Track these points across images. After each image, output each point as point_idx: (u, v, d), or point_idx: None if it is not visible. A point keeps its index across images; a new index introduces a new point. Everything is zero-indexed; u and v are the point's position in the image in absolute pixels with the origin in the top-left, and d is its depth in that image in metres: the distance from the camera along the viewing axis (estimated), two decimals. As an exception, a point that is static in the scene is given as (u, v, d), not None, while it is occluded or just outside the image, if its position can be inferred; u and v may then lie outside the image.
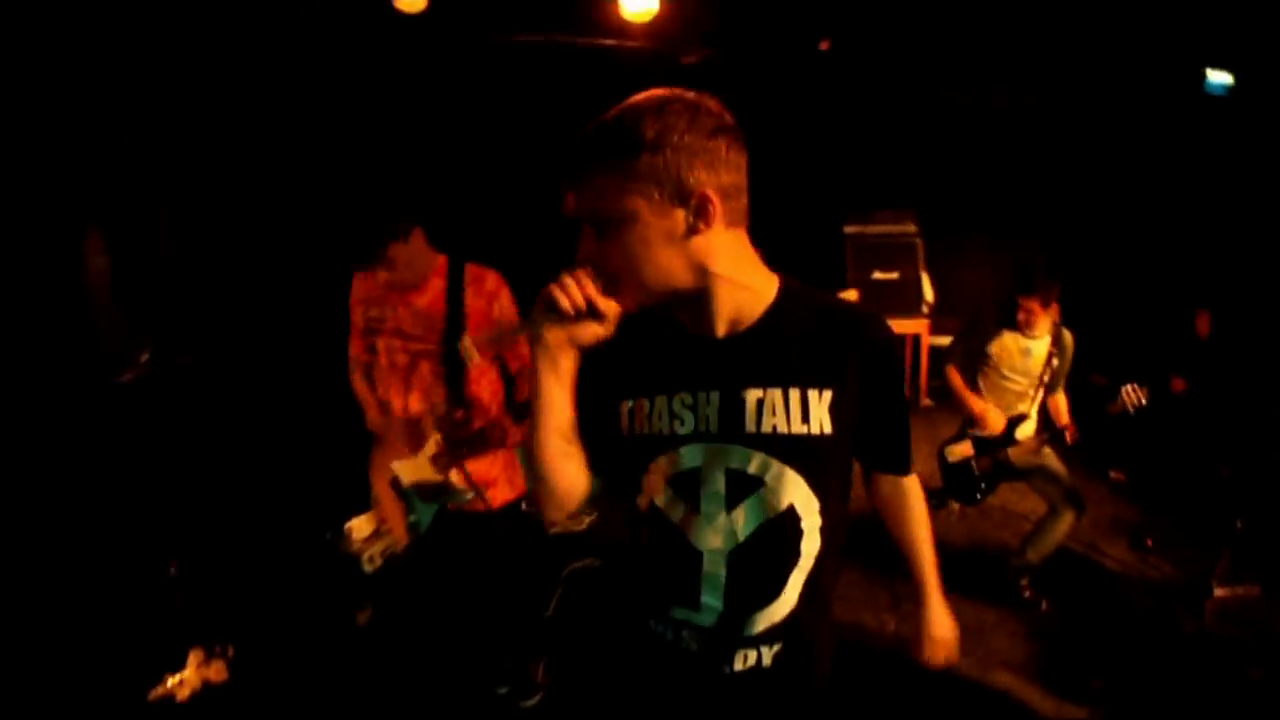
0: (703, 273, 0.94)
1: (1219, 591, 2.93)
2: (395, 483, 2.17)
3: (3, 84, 3.05)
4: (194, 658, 2.54)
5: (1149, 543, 3.53)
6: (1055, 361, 3.01)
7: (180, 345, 3.60)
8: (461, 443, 2.10)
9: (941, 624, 1.32)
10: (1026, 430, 2.99)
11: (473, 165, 4.47)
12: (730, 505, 1.01)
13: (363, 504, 2.72)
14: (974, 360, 3.11)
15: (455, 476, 2.12)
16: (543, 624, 2.76)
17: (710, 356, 1.00)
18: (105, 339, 3.64)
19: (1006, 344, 3.04)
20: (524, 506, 2.33)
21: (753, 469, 1.00)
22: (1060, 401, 3.13)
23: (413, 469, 2.16)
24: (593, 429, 1.03)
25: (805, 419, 0.98)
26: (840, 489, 1.07)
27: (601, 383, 1.04)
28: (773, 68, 4.91)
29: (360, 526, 2.38)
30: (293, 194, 3.94)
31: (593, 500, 1.11)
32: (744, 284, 0.99)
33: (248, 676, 2.54)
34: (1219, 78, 4.71)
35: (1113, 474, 4.36)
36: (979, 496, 3.09)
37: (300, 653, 2.72)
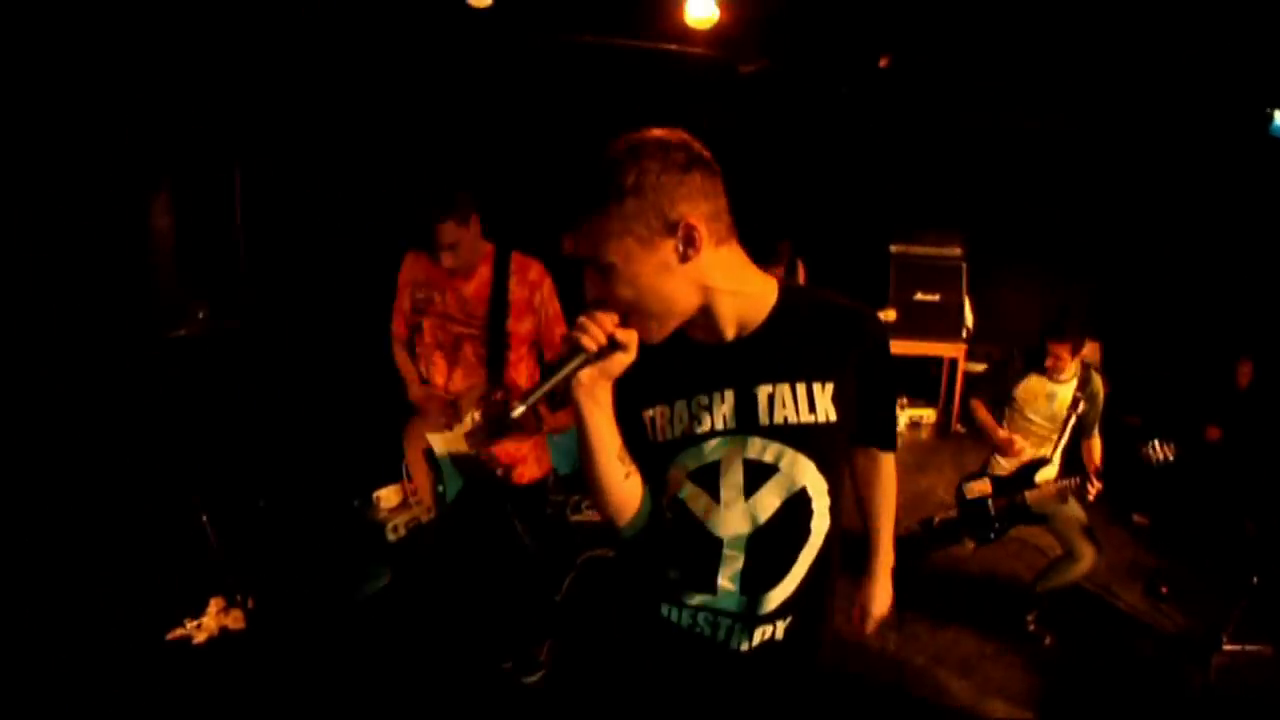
0: (704, 290, 1.02)
1: (1229, 647, 2.89)
2: (428, 453, 2.29)
3: (86, 45, 3.20)
4: (214, 605, 2.65)
5: (1164, 590, 3.49)
6: (1082, 406, 2.96)
7: (234, 308, 3.78)
8: (496, 423, 2.21)
9: (882, 601, 1.44)
10: (1047, 474, 2.97)
11: (528, 160, 4.58)
12: (749, 492, 1.11)
13: (393, 475, 2.85)
14: (1000, 399, 3.12)
15: (485, 453, 2.22)
16: (553, 606, 2.86)
17: (722, 360, 1.09)
18: (163, 294, 3.81)
19: (1032, 387, 3.03)
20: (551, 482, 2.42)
21: (768, 458, 1.09)
22: (1095, 446, 3.07)
23: (447, 441, 2.28)
24: (623, 440, 1.11)
25: (812, 409, 1.08)
26: (842, 470, 1.17)
27: (625, 397, 1.10)
28: (830, 82, 4.91)
29: (388, 496, 2.51)
30: (358, 174, 4.09)
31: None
32: (744, 292, 1.08)
33: (264, 628, 2.65)
34: None
35: (1136, 518, 4.30)
36: (992, 536, 3.10)
37: (317, 611, 2.83)
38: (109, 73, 3.26)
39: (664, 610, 1.23)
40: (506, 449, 2.27)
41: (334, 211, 4.06)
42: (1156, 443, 2.71)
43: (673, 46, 4.20)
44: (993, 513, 3.06)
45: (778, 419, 1.08)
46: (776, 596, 1.15)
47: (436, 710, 2.44)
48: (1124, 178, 5.27)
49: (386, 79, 4.13)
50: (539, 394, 0.96)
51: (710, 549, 1.14)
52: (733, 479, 1.10)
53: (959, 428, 5.42)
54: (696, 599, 1.18)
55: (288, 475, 3.49)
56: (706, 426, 1.10)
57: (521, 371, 2.30)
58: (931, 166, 5.52)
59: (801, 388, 1.08)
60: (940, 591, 3.33)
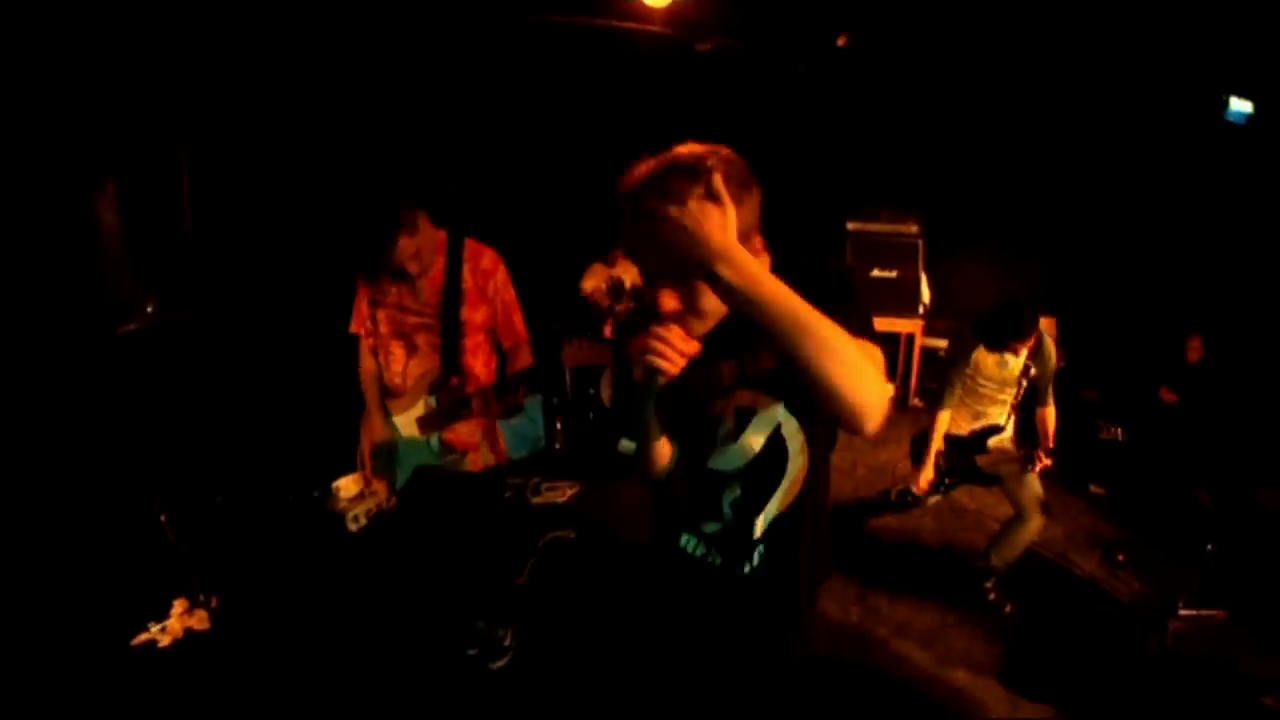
0: None
1: (1185, 612, 2.98)
2: (379, 446, 2.26)
3: (31, 40, 3.10)
4: (178, 606, 2.59)
5: (1121, 558, 3.58)
6: (1033, 371, 2.99)
7: (184, 300, 3.68)
8: (450, 408, 2.18)
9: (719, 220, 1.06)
10: (1000, 440, 3.03)
11: (483, 142, 4.51)
12: (738, 434, 1.30)
13: (352, 464, 2.79)
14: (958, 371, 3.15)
15: (436, 439, 2.19)
16: (516, 590, 2.84)
17: (727, 332, 1.21)
18: (113, 288, 3.71)
19: (984, 354, 3.05)
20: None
21: (748, 403, 1.29)
22: (1049, 416, 3.08)
23: (399, 426, 2.24)
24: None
25: (755, 354, 1.24)
26: (815, 412, 1.28)
27: None
28: (787, 61, 4.91)
29: (347, 486, 2.46)
30: (311, 158, 4.00)
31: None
32: None
33: (229, 627, 2.61)
34: (1241, 106, 4.70)
35: (1093, 488, 4.40)
36: (941, 488, 3.19)
37: (281, 607, 2.79)
38: (53, 68, 3.15)
39: (682, 540, 1.44)
40: (459, 435, 2.24)
41: (285, 198, 3.97)
42: (1111, 428, 2.77)
43: (630, 25, 4.16)
44: (944, 465, 3.13)
45: (758, 369, 1.25)
46: (762, 522, 1.34)
47: (404, 699, 2.41)
48: (1080, 158, 5.35)
49: (338, 63, 4.03)
50: (636, 418, 1.26)
51: (716, 483, 1.35)
52: (726, 425, 1.30)
53: (917, 402, 5.49)
54: (709, 527, 1.39)
55: (245, 468, 3.42)
56: (711, 384, 1.29)
57: (478, 358, 2.27)
58: (888, 145, 5.54)
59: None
60: (900, 564, 3.38)
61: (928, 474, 3.09)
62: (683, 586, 1.48)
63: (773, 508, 1.34)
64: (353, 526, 2.49)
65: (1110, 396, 4.74)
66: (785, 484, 1.33)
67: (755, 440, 1.30)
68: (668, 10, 4.12)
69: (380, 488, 2.29)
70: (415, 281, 2.20)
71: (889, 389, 1.13)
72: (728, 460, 1.33)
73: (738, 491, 1.34)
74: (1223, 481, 3.82)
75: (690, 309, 1.14)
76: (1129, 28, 4.27)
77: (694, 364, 1.18)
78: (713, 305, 1.11)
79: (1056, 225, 5.47)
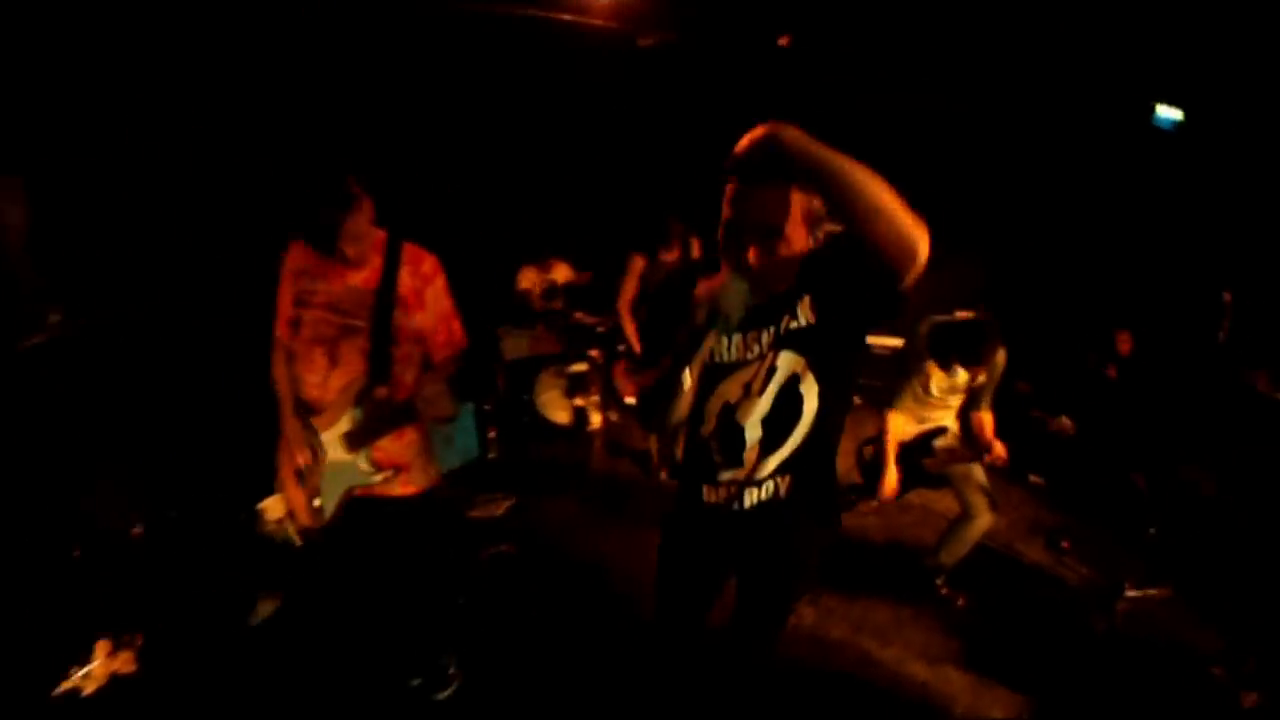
0: None
1: (1131, 593, 3.06)
2: (300, 469, 2.09)
3: None
4: (101, 649, 2.40)
5: (1065, 545, 3.66)
6: (981, 378, 2.98)
7: (90, 309, 3.40)
8: (379, 420, 2.03)
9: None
10: (945, 441, 3.02)
11: (420, 138, 4.33)
12: (763, 389, 1.54)
13: (274, 484, 2.60)
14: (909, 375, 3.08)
15: (365, 458, 2.05)
16: (457, 613, 2.70)
17: (769, 305, 1.55)
18: (16, 302, 3.41)
19: (936, 367, 2.99)
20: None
21: (771, 359, 1.53)
22: (985, 419, 3.07)
23: (331, 445, 2.08)
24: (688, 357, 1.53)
25: (794, 316, 1.51)
26: (835, 363, 1.53)
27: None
28: (728, 58, 4.87)
29: (273, 507, 2.30)
30: (230, 158, 3.75)
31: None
32: None
33: (157, 667, 2.42)
34: (1169, 113, 4.90)
35: (1032, 478, 4.51)
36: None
37: (211, 642, 2.59)
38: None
39: (704, 494, 1.65)
40: (389, 453, 2.09)
41: (200, 197, 3.71)
42: (1063, 420, 2.78)
43: (570, 17, 4.05)
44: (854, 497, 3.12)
45: (782, 330, 1.52)
46: (775, 460, 1.57)
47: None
48: (1012, 158, 5.49)
49: (265, 51, 3.80)
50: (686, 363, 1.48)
51: (740, 434, 1.57)
52: (757, 381, 1.54)
53: (856, 399, 5.54)
54: (728, 473, 1.60)
55: (163, 492, 3.18)
56: (755, 353, 1.55)
57: (408, 370, 2.12)
58: (827, 144, 5.56)
59: (793, 305, 1.51)
60: (850, 564, 3.35)
61: (891, 479, 2.96)
62: (707, 532, 1.71)
63: (785, 450, 1.57)
64: (283, 548, 2.33)
65: (1042, 388, 4.87)
66: (800, 430, 1.55)
67: (773, 391, 1.54)
68: (610, 4, 4.03)
69: (304, 507, 2.12)
70: (349, 278, 2.04)
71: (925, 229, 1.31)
72: (753, 413, 1.55)
73: (759, 434, 1.56)
74: (1156, 465, 3.96)
75: (766, 264, 1.45)
76: (1063, 32, 4.39)
77: (739, 327, 1.54)
78: (786, 264, 1.47)
79: (988, 222, 5.59)
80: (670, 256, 3.78)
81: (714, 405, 1.60)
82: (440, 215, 3.75)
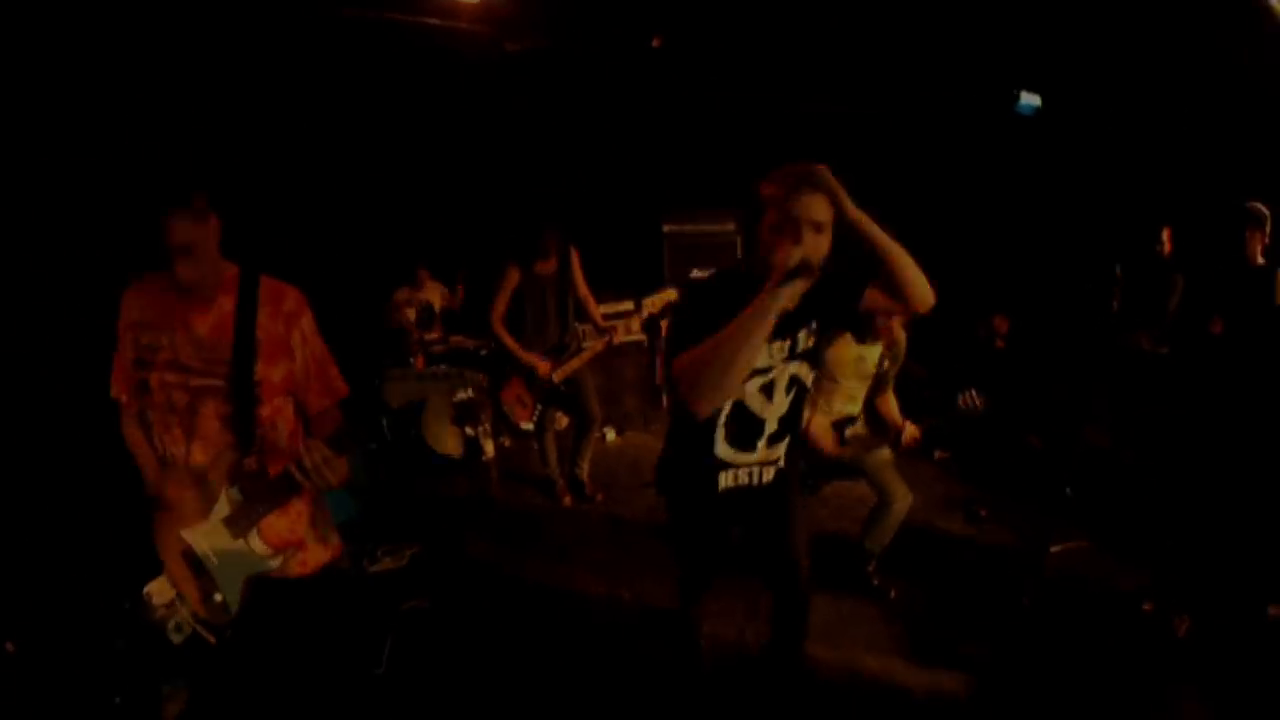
0: None
1: (1054, 549, 3.13)
2: (189, 554, 1.72)
3: None
4: None
5: (983, 513, 3.75)
6: (886, 364, 2.99)
7: None
8: (255, 501, 1.70)
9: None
10: (855, 430, 2.99)
11: (273, 150, 3.91)
12: (786, 393, 1.88)
13: (158, 562, 2.19)
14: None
15: (256, 541, 1.71)
16: (377, 681, 2.36)
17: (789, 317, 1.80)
18: None
19: (841, 353, 2.96)
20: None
21: (793, 370, 1.86)
22: (890, 404, 3.08)
23: (207, 536, 1.72)
24: None
25: (807, 334, 1.83)
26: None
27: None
28: (600, 62, 4.78)
29: (161, 591, 1.90)
30: (55, 176, 3.21)
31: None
32: None
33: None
34: (1030, 99, 5.24)
35: (937, 454, 4.63)
36: (806, 489, 3.16)
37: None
38: None
39: (719, 482, 1.91)
40: (279, 532, 1.75)
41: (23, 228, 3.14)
42: (972, 392, 2.78)
43: (435, 21, 3.79)
44: (807, 466, 3.01)
45: (800, 347, 1.82)
46: (778, 449, 1.95)
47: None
48: (889, 151, 5.72)
49: (110, 54, 3.29)
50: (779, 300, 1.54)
51: (759, 427, 1.89)
52: (780, 385, 1.85)
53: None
54: (743, 459, 1.91)
55: (30, 590, 2.59)
56: (776, 359, 1.81)
57: (279, 427, 1.79)
58: (703, 146, 5.59)
59: (805, 325, 1.82)
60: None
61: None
62: (725, 510, 2.00)
63: (789, 441, 1.95)
64: (176, 638, 1.93)
65: (937, 370, 5.04)
66: (802, 423, 2.00)
67: (789, 393, 1.87)
68: (477, 7, 3.81)
69: (192, 591, 1.75)
70: (195, 325, 1.70)
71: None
72: (774, 412, 1.87)
73: (773, 428, 1.89)
74: (1051, 426, 4.15)
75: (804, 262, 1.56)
76: (927, 24, 4.59)
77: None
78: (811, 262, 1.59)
79: (871, 216, 5.80)
80: (547, 268, 3.60)
81: (734, 407, 1.85)
82: (298, 238, 3.37)
